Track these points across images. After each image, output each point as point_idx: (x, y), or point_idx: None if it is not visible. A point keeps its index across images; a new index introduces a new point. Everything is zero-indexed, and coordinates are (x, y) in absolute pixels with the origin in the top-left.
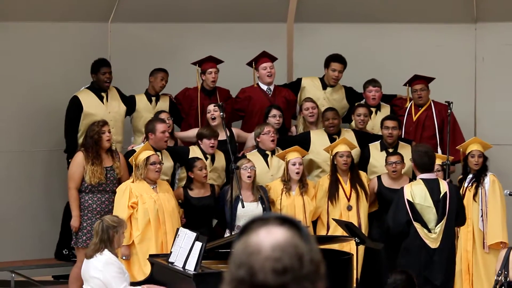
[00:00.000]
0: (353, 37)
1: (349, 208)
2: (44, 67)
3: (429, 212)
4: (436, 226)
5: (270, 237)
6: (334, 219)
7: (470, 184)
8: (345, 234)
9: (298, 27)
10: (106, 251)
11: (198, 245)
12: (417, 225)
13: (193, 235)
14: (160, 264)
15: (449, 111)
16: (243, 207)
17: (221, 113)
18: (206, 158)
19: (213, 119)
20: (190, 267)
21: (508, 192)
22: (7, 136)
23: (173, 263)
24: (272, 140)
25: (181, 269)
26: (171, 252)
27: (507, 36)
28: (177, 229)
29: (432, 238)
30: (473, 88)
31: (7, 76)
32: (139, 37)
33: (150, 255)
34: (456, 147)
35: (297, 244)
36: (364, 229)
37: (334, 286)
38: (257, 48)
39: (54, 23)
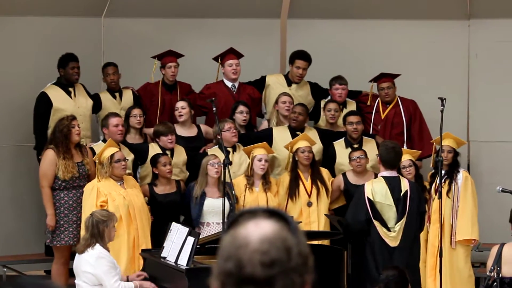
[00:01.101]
0: (347, 33)
1: (309, 204)
2: (34, 61)
3: (389, 211)
4: (395, 224)
5: (258, 230)
6: (326, 215)
7: (443, 181)
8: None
9: (291, 23)
10: (97, 246)
11: (191, 240)
12: (376, 224)
13: (185, 230)
14: (152, 259)
15: (442, 107)
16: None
17: (191, 109)
18: (166, 154)
19: (180, 116)
20: (183, 262)
21: (500, 189)
22: None
23: (166, 258)
24: (234, 135)
25: (174, 264)
26: (163, 247)
27: (501, 33)
28: (170, 224)
29: (391, 237)
30: (466, 84)
31: None
32: (132, 32)
33: (143, 250)
34: (431, 141)
35: (285, 237)
36: (323, 226)
37: (326, 280)
38: (250, 43)
39: (47, 18)
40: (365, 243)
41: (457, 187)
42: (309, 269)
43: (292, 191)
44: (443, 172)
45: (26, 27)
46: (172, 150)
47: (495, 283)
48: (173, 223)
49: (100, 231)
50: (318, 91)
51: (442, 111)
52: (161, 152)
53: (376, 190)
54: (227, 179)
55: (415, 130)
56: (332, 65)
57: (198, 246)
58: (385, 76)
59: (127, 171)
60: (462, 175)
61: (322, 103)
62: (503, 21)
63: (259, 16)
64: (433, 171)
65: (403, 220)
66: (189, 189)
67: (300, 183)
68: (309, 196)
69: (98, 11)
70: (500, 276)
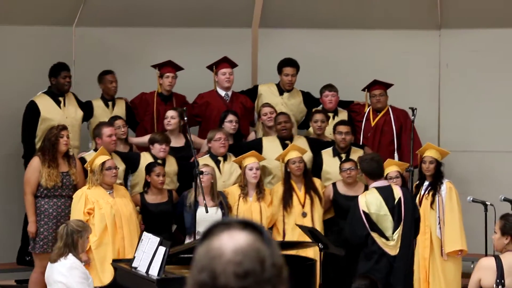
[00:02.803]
0: (317, 43)
1: (304, 214)
2: (5, 70)
3: (386, 220)
4: (393, 233)
5: (232, 241)
6: (297, 225)
7: (426, 192)
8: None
9: (262, 32)
10: (70, 256)
11: (162, 250)
12: (374, 235)
13: (156, 239)
14: (123, 269)
15: (412, 117)
16: (206, 211)
17: (185, 118)
18: (161, 164)
19: (168, 124)
20: (154, 272)
21: (471, 199)
22: None
23: (137, 268)
24: (222, 146)
25: (145, 274)
26: (134, 257)
27: (471, 43)
28: (141, 234)
29: (391, 246)
30: (437, 94)
31: None
32: (103, 41)
33: (113, 260)
34: (416, 152)
35: (259, 248)
36: None
37: None
38: (221, 53)
39: (17, 27)
40: (360, 253)
41: (441, 199)
42: (283, 280)
43: (286, 202)
44: (426, 183)
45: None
46: (163, 160)
47: None
48: (144, 233)
49: (74, 241)
50: (310, 100)
51: (413, 121)
52: (153, 160)
53: (370, 201)
54: (197, 189)
55: (405, 140)
56: (304, 74)
57: (169, 256)
58: (377, 84)
59: (118, 181)
60: (446, 186)
61: None
62: (473, 31)
63: (230, 26)
64: (417, 182)
65: (400, 228)
66: (182, 198)
67: (294, 194)
68: (303, 206)
69: (69, 20)
70: None
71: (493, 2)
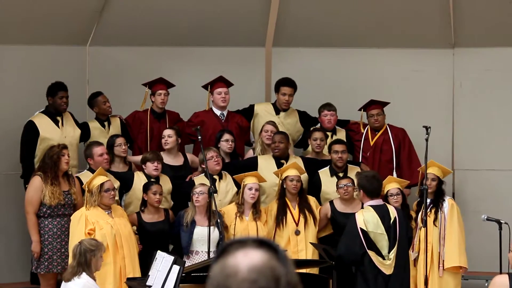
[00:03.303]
0: (331, 62)
1: (297, 232)
2: (20, 89)
3: (382, 239)
4: (389, 252)
5: (247, 259)
6: (311, 243)
7: (429, 210)
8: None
9: (276, 51)
10: (84, 275)
11: (176, 268)
12: (371, 254)
13: (170, 258)
14: None
15: (426, 136)
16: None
17: (199, 137)
18: (158, 183)
19: (166, 143)
20: None
21: (486, 217)
22: None
23: (151, 286)
24: (216, 163)
25: None
26: (148, 275)
27: (485, 62)
28: (155, 253)
29: (387, 265)
30: (451, 113)
31: None
32: (117, 60)
33: (128, 279)
34: (418, 169)
35: (274, 266)
36: (311, 254)
37: None
38: (235, 71)
39: (32, 46)
40: (356, 273)
41: (443, 216)
42: None
43: (280, 219)
44: (428, 200)
45: (11, 56)
46: (157, 179)
47: None
48: (159, 252)
49: (88, 260)
50: (307, 119)
51: (427, 140)
52: (147, 180)
53: (368, 219)
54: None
55: (404, 158)
56: (317, 93)
57: (183, 274)
58: (374, 103)
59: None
60: (448, 203)
61: None
62: (487, 49)
63: (244, 45)
64: (418, 199)
65: (395, 247)
66: (179, 217)
67: (288, 211)
68: (297, 224)
69: (83, 40)
70: None
71: (507, 21)
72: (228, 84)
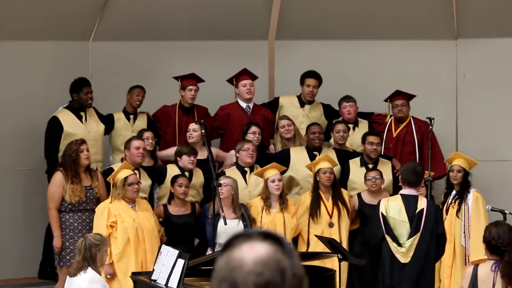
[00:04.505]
0: (334, 54)
1: (331, 225)
2: (24, 85)
3: (402, 227)
4: (407, 240)
5: (253, 252)
6: (316, 235)
7: (453, 201)
8: (327, 250)
9: (279, 44)
10: (89, 269)
11: (181, 262)
12: (388, 238)
13: (175, 252)
14: (142, 282)
15: (430, 127)
16: (225, 224)
17: (202, 131)
18: (185, 176)
19: (190, 137)
20: (173, 284)
21: (490, 208)
22: None
23: (156, 280)
24: (250, 156)
25: (164, 287)
26: (153, 269)
27: (488, 52)
28: (160, 247)
29: (401, 253)
30: (455, 104)
31: None
32: (120, 55)
33: (133, 273)
34: (444, 161)
35: (279, 259)
36: (345, 246)
37: None
38: (238, 65)
39: (35, 42)
40: (381, 261)
41: (467, 207)
42: None
43: (314, 211)
44: (454, 192)
45: (15, 51)
46: (190, 172)
47: None
48: (163, 246)
49: (93, 254)
50: (330, 112)
51: (431, 131)
52: (180, 173)
53: (390, 206)
54: (216, 201)
55: (427, 150)
56: (321, 86)
57: (189, 268)
58: (400, 94)
59: (143, 195)
60: (472, 195)
61: None
62: (490, 40)
63: (247, 38)
64: (445, 191)
65: (416, 238)
66: (204, 210)
67: (322, 204)
68: (331, 216)
69: (86, 35)
70: None
71: (509, 11)
72: (252, 76)
